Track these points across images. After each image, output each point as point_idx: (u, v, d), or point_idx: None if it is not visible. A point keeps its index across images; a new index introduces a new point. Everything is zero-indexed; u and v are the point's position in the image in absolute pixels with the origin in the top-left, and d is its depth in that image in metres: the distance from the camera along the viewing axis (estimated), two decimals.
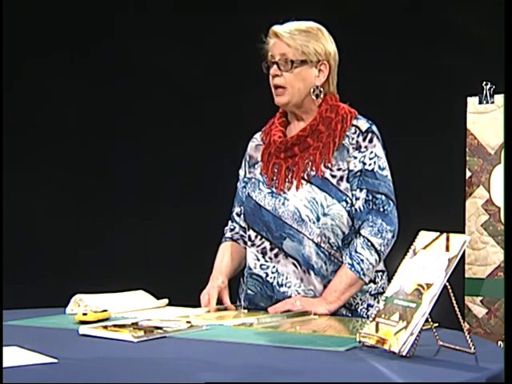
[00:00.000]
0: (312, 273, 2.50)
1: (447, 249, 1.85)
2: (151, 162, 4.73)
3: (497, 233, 3.21)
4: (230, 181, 2.82)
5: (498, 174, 3.21)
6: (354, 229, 2.51)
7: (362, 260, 2.45)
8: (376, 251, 2.45)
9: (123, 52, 4.70)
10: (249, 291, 2.60)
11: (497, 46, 2.92)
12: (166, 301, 2.66)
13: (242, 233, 2.71)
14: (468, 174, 3.29)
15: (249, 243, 2.61)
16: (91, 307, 2.43)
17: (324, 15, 2.66)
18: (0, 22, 4.05)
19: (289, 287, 2.52)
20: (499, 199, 3.21)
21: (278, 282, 2.53)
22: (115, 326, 2.12)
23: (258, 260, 2.57)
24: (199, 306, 2.56)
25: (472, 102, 3.30)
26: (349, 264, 2.45)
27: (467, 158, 3.29)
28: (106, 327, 2.10)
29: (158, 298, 2.66)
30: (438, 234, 1.90)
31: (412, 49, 4.34)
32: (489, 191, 3.24)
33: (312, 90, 2.56)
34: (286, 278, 2.52)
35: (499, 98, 3.22)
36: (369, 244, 2.45)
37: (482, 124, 3.27)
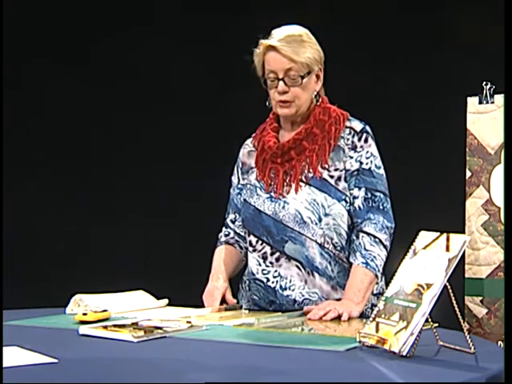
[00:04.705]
0: (316, 274, 2.50)
1: (447, 249, 1.85)
2: (151, 162, 4.73)
3: (497, 233, 3.21)
4: (229, 181, 2.82)
5: (498, 174, 3.20)
6: (353, 227, 2.52)
7: (375, 257, 2.45)
8: (384, 246, 2.47)
9: (123, 53, 4.70)
10: (254, 296, 2.61)
11: (497, 46, 2.92)
12: (165, 301, 2.66)
13: (237, 238, 2.72)
14: (468, 174, 3.28)
15: (250, 249, 2.61)
16: (91, 307, 2.43)
17: (323, 15, 2.66)
18: (0, 22, 4.04)
19: (293, 290, 2.51)
20: (499, 199, 3.21)
21: (280, 286, 2.52)
22: (115, 326, 2.12)
23: (260, 265, 2.57)
24: (199, 306, 2.56)
25: (472, 101, 3.30)
26: (362, 263, 2.43)
27: (467, 158, 3.29)
28: (106, 327, 2.10)
29: (158, 298, 2.66)
30: (438, 234, 1.90)
31: (412, 49, 4.34)
32: (489, 191, 3.24)
33: (314, 96, 2.57)
34: (290, 281, 2.52)
35: (499, 98, 3.21)
36: (377, 240, 2.46)
37: (481, 124, 3.26)
